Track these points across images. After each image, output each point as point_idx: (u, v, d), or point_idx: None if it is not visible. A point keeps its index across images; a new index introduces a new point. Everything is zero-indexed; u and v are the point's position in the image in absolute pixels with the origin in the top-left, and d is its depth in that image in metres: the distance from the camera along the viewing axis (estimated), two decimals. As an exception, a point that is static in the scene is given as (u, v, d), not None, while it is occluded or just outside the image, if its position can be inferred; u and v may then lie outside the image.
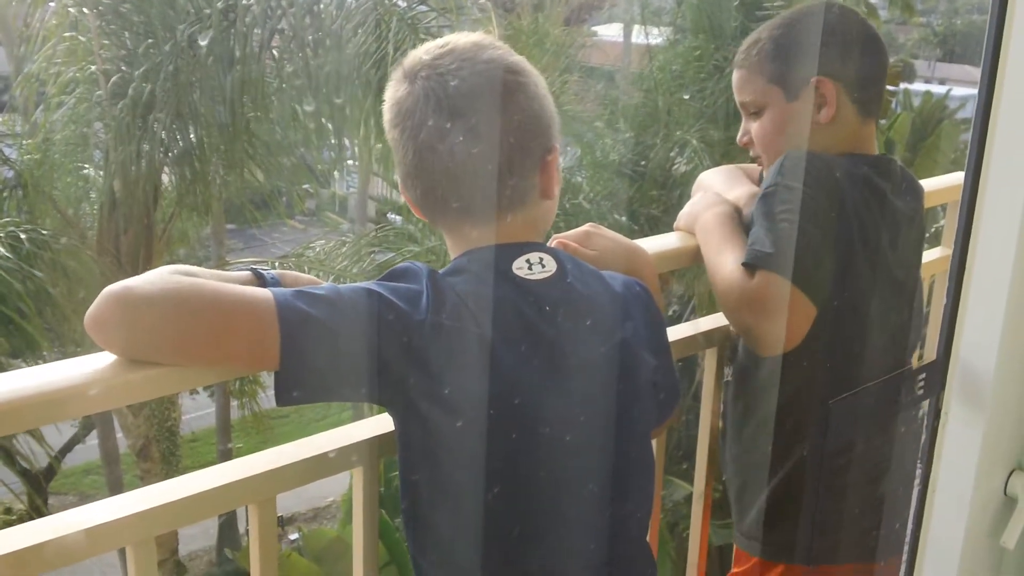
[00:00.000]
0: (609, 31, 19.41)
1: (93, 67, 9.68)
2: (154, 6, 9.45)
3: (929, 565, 1.17)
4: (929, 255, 2.37)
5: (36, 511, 11.43)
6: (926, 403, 1.76)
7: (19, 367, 8.40)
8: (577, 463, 1.37)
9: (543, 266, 1.36)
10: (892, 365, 1.89)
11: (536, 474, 1.34)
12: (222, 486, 1.34)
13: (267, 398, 10.56)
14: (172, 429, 11.22)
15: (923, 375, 1.80)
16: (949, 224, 2.77)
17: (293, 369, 1.21)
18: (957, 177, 2.60)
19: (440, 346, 1.25)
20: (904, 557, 1.20)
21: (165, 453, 10.95)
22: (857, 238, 1.76)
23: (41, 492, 12.12)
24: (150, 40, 9.42)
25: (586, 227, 1.66)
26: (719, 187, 1.99)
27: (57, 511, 1.32)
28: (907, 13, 15.51)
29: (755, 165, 2.08)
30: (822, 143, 1.82)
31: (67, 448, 13.34)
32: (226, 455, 13.06)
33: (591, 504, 1.39)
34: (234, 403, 12.49)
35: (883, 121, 10.32)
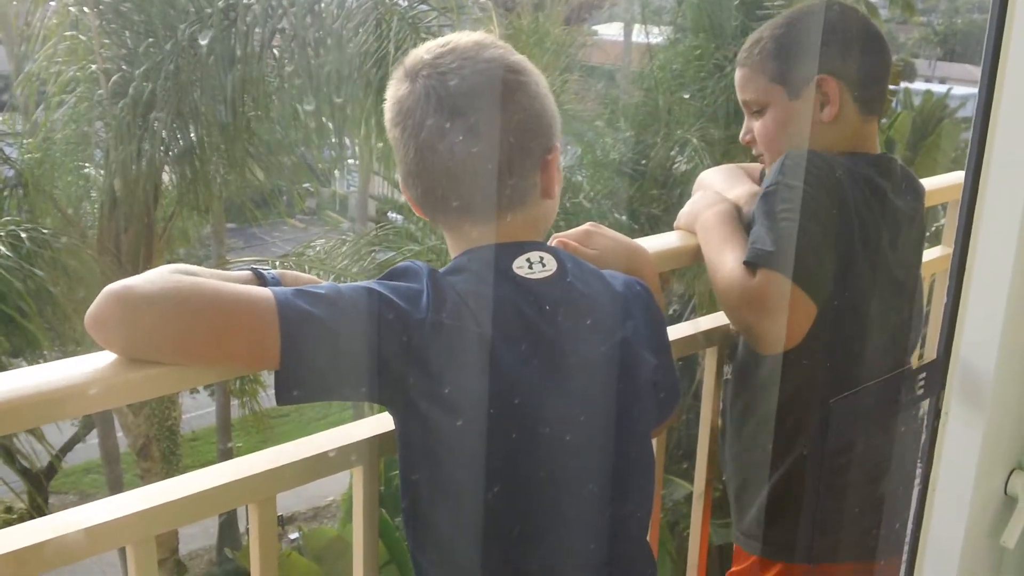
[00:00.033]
0: (609, 30, 19.42)
1: (94, 66, 9.68)
2: (155, 5, 9.45)
3: (929, 564, 1.17)
4: (929, 254, 2.37)
5: (37, 510, 11.44)
6: (926, 402, 1.76)
7: (20, 366, 8.40)
8: (577, 463, 1.37)
9: (543, 265, 1.36)
10: (892, 364, 1.89)
11: (536, 473, 1.34)
12: (222, 485, 1.34)
13: (267, 397, 10.56)
14: (172, 428, 11.22)
15: (923, 374, 1.80)
16: (949, 223, 2.77)
17: (293, 368, 1.21)
18: (957, 176, 2.60)
19: (440, 345, 1.25)
20: (904, 556, 1.21)
21: (165, 452, 10.95)
22: (858, 237, 1.76)
23: (42, 491, 12.12)
24: (151, 39, 9.42)
25: (586, 226, 1.66)
26: (719, 186, 1.99)
27: (57, 510, 1.33)
28: (907, 12, 15.50)
29: (756, 164, 2.08)
30: (824, 141, 1.82)
31: (67, 447, 13.35)
32: (226, 454, 13.07)
33: (591, 504, 1.39)
34: (234, 402, 12.50)
35: (884, 120, 10.31)
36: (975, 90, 1.03)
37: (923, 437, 1.17)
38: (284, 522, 14.17)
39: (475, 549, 1.34)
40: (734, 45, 10.17)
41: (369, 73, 9.12)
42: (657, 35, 12.44)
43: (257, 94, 9.74)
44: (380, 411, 1.40)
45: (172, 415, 11.14)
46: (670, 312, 10.29)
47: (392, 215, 14.18)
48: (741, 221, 1.84)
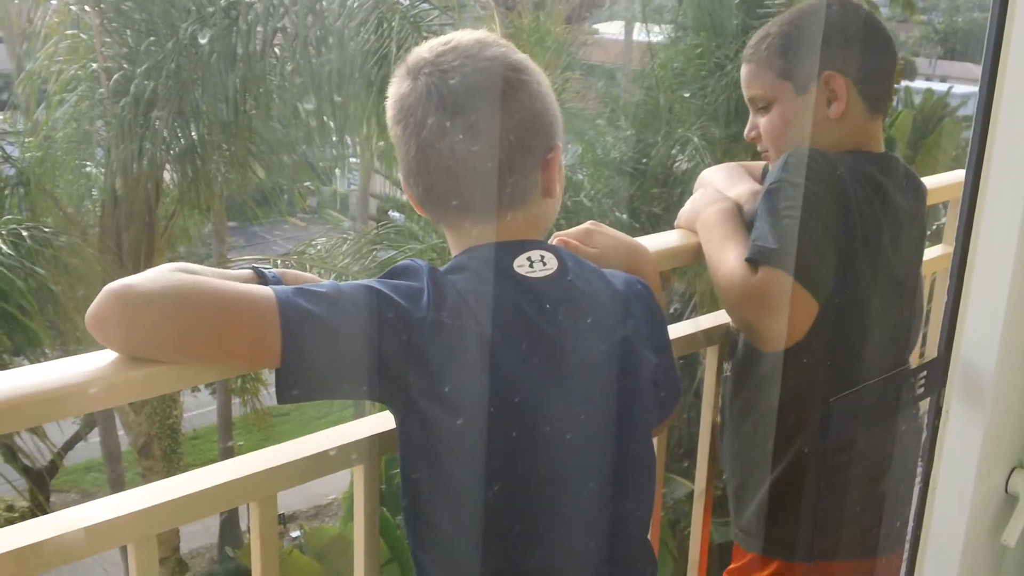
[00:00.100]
0: (610, 29, 19.42)
1: (95, 65, 9.68)
2: (156, 4, 9.45)
3: (930, 563, 1.17)
4: (930, 253, 2.37)
5: (38, 508, 11.44)
6: (927, 401, 1.76)
7: (21, 364, 8.43)
8: (577, 461, 1.37)
9: (544, 264, 1.36)
10: (892, 363, 1.89)
11: (536, 472, 1.34)
12: (223, 484, 1.34)
13: (269, 395, 10.56)
14: (174, 427, 11.21)
15: (924, 373, 1.80)
16: (950, 222, 2.77)
17: (294, 367, 1.21)
18: (958, 175, 2.59)
19: (440, 344, 1.25)
20: (905, 555, 1.20)
21: (167, 451, 10.95)
22: (859, 235, 1.76)
23: (43, 489, 12.12)
24: (152, 38, 9.42)
25: (587, 225, 1.65)
26: (720, 184, 1.99)
27: (59, 508, 1.33)
28: (908, 11, 15.51)
29: (757, 162, 2.08)
30: (830, 138, 1.82)
31: (69, 445, 13.35)
32: (227, 453, 13.07)
33: (591, 503, 1.39)
34: (236, 401, 12.50)
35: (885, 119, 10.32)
36: (976, 88, 1.03)
37: (924, 435, 1.16)
38: (285, 520, 14.17)
39: (475, 548, 1.34)
40: (735, 44, 10.19)
41: (370, 72, 9.12)
42: (658, 33, 12.45)
43: (258, 93, 9.75)
44: (381, 410, 1.40)
45: (173, 413, 11.14)
46: (671, 311, 10.29)
47: (393, 214, 14.18)
48: (742, 219, 1.84)
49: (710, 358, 2.04)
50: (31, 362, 8.44)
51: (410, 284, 1.29)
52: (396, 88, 1.39)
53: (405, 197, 1.44)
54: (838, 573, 1.93)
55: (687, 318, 2.82)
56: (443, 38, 1.39)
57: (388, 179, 14.27)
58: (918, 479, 1.16)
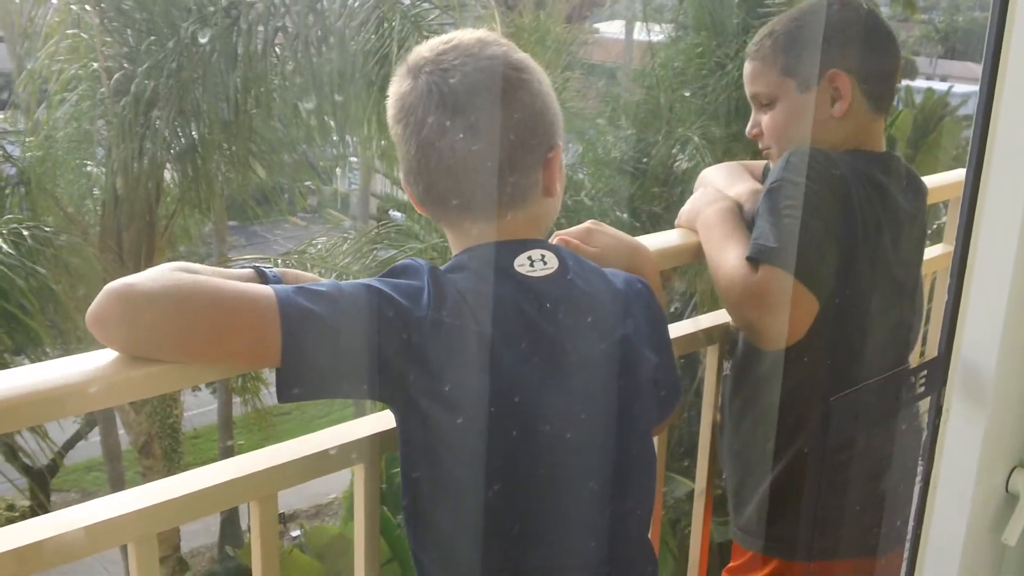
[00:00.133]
0: (611, 28, 19.42)
1: (95, 64, 9.68)
2: (157, 3, 9.45)
3: (930, 562, 1.17)
4: (930, 252, 2.37)
5: (39, 507, 11.45)
6: (927, 400, 1.76)
7: (22, 363, 8.43)
8: (577, 461, 1.37)
9: (544, 263, 1.36)
10: (892, 362, 1.89)
11: (536, 472, 1.34)
12: (223, 483, 1.34)
13: (269, 395, 10.56)
14: (174, 426, 11.21)
15: (924, 372, 1.80)
16: (950, 221, 2.77)
17: (294, 366, 1.21)
18: (959, 174, 2.59)
19: (440, 343, 1.25)
20: (905, 554, 1.20)
21: (167, 450, 10.95)
22: (860, 235, 1.76)
23: (44, 488, 12.14)
24: (152, 37, 9.42)
25: (587, 224, 1.65)
26: (721, 183, 1.99)
27: (60, 507, 1.33)
28: (909, 10, 15.52)
29: (757, 161, 2.08)
30: (833, 137, 1.82)
31: (70, 444, 13.35)
32: (228, 452, 13.08)
33: (591, 502, 1.39)
34: (236, 400, 12.49)
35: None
36: (976, 88, 1.03)
37: (924, 435, 1.17)
38: (286, 520, 14.18)
39: (475, 547, 1.34)
40: (735, 43, 10.19)
41: (371, 71, 9.12)
42: (658, 33, 12.46)
43: (259, 92, 9.74)
44: (382, 409, 1.40)
45: (174, 413, 11.14)
46: (671, 310, 10.29)
47: (394, 213, 14.19)
48: (742, 218, 1.84)
49: (710, 357, 2.04)
50: (32, 361, 8.44)
51: (410, 283, 1.29)
52: (397, 87, 1.39)
53: (406, 196, 1.44)
54: (838, 572, 1.93)
55: (687, 317, 2.82)
56: (444, 37, 1.39)
57: (389, 178, 14.27)
58: (918, 478, 1.16)
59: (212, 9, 9.34)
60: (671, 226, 1.98)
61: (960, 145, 13.32)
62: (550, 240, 1.52)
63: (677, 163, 10.36)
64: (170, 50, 9.18)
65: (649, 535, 1.55)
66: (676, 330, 1.90)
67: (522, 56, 1.39)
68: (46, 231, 9.24)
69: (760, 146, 1.93)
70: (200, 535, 14.37)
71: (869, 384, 1.70)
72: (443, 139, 1.31)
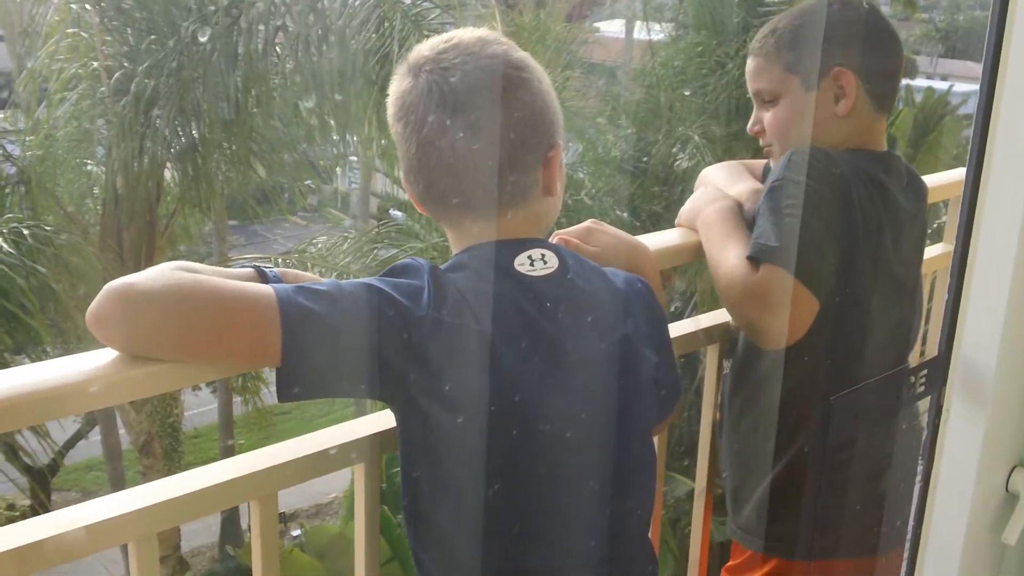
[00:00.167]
0: (611, 27, 19.40)
1: (95, 63, 9.68)
2: (157, 2, 9.46)
3: (931, 561, 1.17)
4: (931, 251, 2.37)
5: (40, 507, 11.45)
6: (927, 400, 1.76)
7: (22, 362, 8.43)
8: (577, 460, 1.37)
9: (544, 262, 1.36)
10: (893, 362, 1.89)
11: (536, 471, 1.34)
12: (224, 482, 1.34)
13: (270, 394, 10.55)
14: (174, 425, 11.21)
15: (924, 371, 1.80)
16: (951, 220, 2.77)
17: (294, 365, 1.21)
18: (959, 173, 2.59)
19: (440, 342, 1.25)
20: (906, 553, 1.20)
21: (167, 449, 10.95)
22: (861, 234, 1.76)
23: (45, 488, 12.13)
24: (153, 36, 9.42)
25: (588, 223, 1.65)
26: (721, 182, 1.99)
27: (60, 507, 1.33)
28: (909, 9, 15.52)
29: (758, 160, 2.08)
30: (836, 136, 1.82)
31: (70, 444, 13.35)
32: (228, 451, 13.08)
33: (591, 501, 1.39)
34: (236, 399, 12.50)
35: (886, 117, 10.31)
36: (976, 87, 1.03)
37: (924, 434, 1.16)
38: (286, 519, 14.18)
39: (476, 546, 1.34)
40: (736, 42, 10.19)
41: (372, 70, 9.12)
42: (659, 32, 12.46)
43: (259, 91, 9.74)
44: (382, 408, 1.40)
45: (174, 412, 11.14)
46: (671, 309, 10.29)
47: (394, 212, 14.18)
48: (743, 217, 1.84)
49: (711, 356, 2.04)
50: (32, 360, 8.45)
51: (411, 282, 1.29)
52: (397, 85, 1.39)
53: (406, 195, 1.44)
54: (838, 571, 1.93)
55: (688, 316, 2.82)
56: (444, 36, 1.39)
57: (389, 177, 14.26)
58: (919, 478, 1.16)
59: (212, 8, 9.34)
60: (671, 225, 1.98)
61: (960, 144, 13.31)
62: (550, 239, 1.52)
63: (677, 162, 10.37)
64: (170, 49, 9.17)
65: (649, 534, 1.55)
66: (676, 329, 1.90)
67: (522, 55, 1.39)
68: (46, 230, 9.24)
69: (761, 143, 1.93)
70: (200, 534, 14.37)
71: (869, 383, 1.70)
72: (443, 138, 1.31)
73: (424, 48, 1.38)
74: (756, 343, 1.78)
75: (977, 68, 1.06)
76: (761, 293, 1.66)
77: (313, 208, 19.24)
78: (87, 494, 13.93)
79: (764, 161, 2.03)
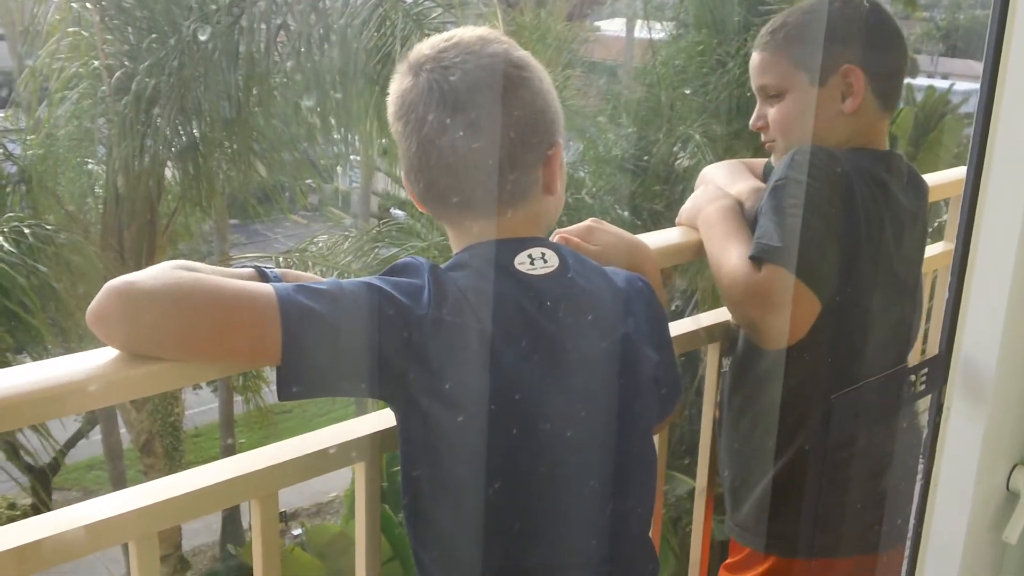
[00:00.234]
0: (612, 26, 19.39)
1: (96, 62, 9.68)
2: (158, 1, 9.45)
3: (931, 560, 1.17)
4: (931, 250, 2.37)
5: (42, 505, 11.46)
6: (927, 399, 1.76)
7: (24, 361, 8.44)
8: (578, 459, 1.37)
9: (545, 261, 1.36)
10: (893, 361, 1.89)
11: (536, 470, 1.34)
12: (224, 481, 1.34)
13: (270, 393, 10.56)
14: (175, 424, 11.22)
15: (925, 370, 1.80)
16: (951, 219, 2.77)
17: (295, 364, 1.21)
18: (959, 172, 2.59)
19: (440, 341, 1.25)
20: (906, 552, 1.20)
21: (168, 448, 10.96)
22: (863, 233, 1.76)
23: (46, 487, 12.14)
24: (153, 35, 9.42)
25: (588, 222, 1.65)
26: (722, 181, 1.99)
27: (61, 506, 1.33)
28: (910, 8, 15.50)
29: (758, 159, 2.08)
30: (840, 133, 1.82)
31: (71, 443, 13.36)
32: (229, 450, 13.08)
33: (592, 500, 1.39)
34: (237, 398, 12.50)
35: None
36: (977, 86, 1.03)
37: (925, 433, 1.16)
38: (287, 518, 14.19)
39: (476, 545, 1.34)
40: (736, 40, 10.19)
41: (373, 69, 9.12)
42: (659, 31, 12.45)
43: (260, 90, 9.75)
44: (382, 407, 1.40)
45: (175, 411, 11.15)
46: (672, 308, 10.30)
47: (395, 211, 14.18)
48: (743, 216, 1.83)
49: (711, 355, 2.04)
50: (34, 359, 8.45)
51: (411, 281, 1.29)
52: (397, 84, 1.38)
53: (407, 194, 1.44)
54: (839, 570, 1.93)
55: (689, 315, 2.82)
56: (445, 35, 1.39)
57: (390, 176, 14.27)
58: (919, 476, 1.16)
59: (214, 7, 9.34)
60: (672, 224, 1.98)
61: (961, 143, 13.31)
62: (551, 238, 1.52)
63: (678, 161, 10.37)
64: (171, 48, 9.17)
65: (650, 533, 1.55)
66: (677, 328, 1.90)
67: (523, 54, 1.39)
68: (47, 229, 9.25)
69: (763, 138, 1.92)
70: (201, 533, 14.38)
71: (870, 382, 1.70)
72: (443, 137, 1.31)
73: (425, 47, 1.38)
74: (757, 343, 1.78)
75: (978, 67, 1.06)
76: (763, 293, 1.65)
77: (314, 207, 19.22)
78: (88, 493, 13.94)
79: (765, 160, 2.03)
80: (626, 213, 10.66)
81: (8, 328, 8.77)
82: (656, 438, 1.59)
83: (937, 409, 1.12)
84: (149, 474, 10.57)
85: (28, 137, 10.52)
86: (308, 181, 15.31)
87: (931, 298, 2.55)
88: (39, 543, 1.17)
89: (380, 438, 1.47)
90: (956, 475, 1.12)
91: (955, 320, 1.09)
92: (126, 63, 9.59)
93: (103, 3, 9.66)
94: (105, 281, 1.16)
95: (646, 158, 10.83)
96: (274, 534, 1.41)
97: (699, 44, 10.82)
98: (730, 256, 1.73)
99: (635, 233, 1.73)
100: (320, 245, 10.83)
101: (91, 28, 9.76)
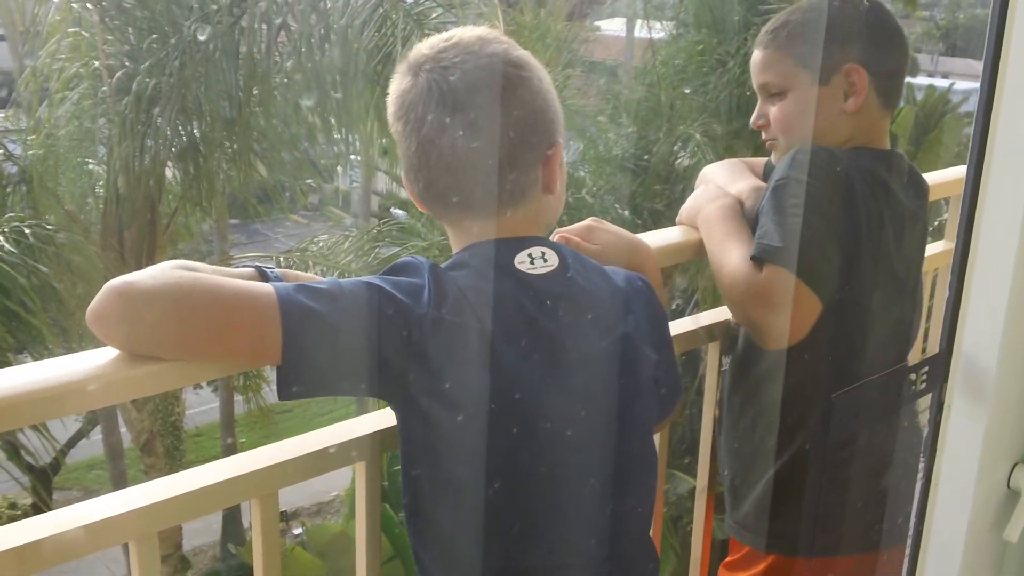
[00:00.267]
0: (612, 26, 19.38)
1: (97, 63, 9.67)
2: (158, 1, 9.45)
3: (932, 559, 1.17)
4: (932, 249, 2.37)
5: (43, 505, 11.46)
6: (929, 397, 1.76)
7: (24, 361, 8.44)
8: (578, 458, 1.37)
9: (545, 260, 1.36)
10: (893, 360, 1.89)
11: (537, 469, 1.34)
12: (225, 481, 1.34)
13: (271, 392, 10.56)
14: (176, 424, 11.22)
15: (926, 369, 1.80)
16: (952, 218, 2.77)
17: (295, 363, 1.21)
18: (960, 171, 2.59)
19: (440, 340, 1.25)
20: (907, 551, 1.20)
21: (169, 448, 10.96)
22: (864, 233, 1.76)
23: (46, 486, 12.15)
24: (154, 35, 9.42)
25: (588, 221, 1.65)
26: (722, 180, 1.99)
27: (62, 506, 1.32)
28: (910, 7, 15.50)
29: (758, 158, 2.08)
30: (841, 132, 1.82)
31: (72, 443, 13.36)
32: (229, 450, 13.08)
33: (592, 500, 1.39)
34: (238, 398, 12.50)
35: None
36: (977, 85, 1.03)
37: (926, 432, 1.16)
38: (287, 518, 14.19)
39: (476, 545, 1.34)
40: (736, 40, 10.19)
41: (373, 69, 9.12)
42: (659, 30, 12.45)
43: (261, 90, 9.74)
44: (383, 406, 1.40)
45: (175, 411, 11.15)
46: (672, 307, 10.30)
47: (395, 211, 14.19)
48: (744, 215, 1.83)
49: (711, 354, 2.04)
50: (34, 359, 8.45)
51: (411, 281, 1.29)
52: (397, 84, 1.38)
53: (407, 194, 1.44)
54: (839, 568, 1.93)
55: (689, 314, 2.82)
56: (444, 34, 1.39)
57: (390, 176, 14.27)
58: (920, 475, 1.16)
59: (214, 7, 9.33)
60: (672, 223, 1.98)
61: (961, 142, 13.33)
62: (551, 237, 1.52)
63: (678, 160, 10.38)
64: (172, 48, 9.17)
65: (650, 533, 1.55)
66: (677, 327, 1.90)
67: (522, 53, 1.39)
68: (48, 229, 9.24)
69: (764, 137, 1.92)
70: (202, 533, 14.38)
71: (871, 381, 1.70)
72: (443, 136, 1.31)
73: (424, 47, 1.38)
74: (758, 343, 1.77)
75: (978, 66, 1.06)
76: (764, 293, 1.65)
77: (314, 207, 19.22)
78: (89, 493, 13.95)
79: (765, 159, 2.03)
80: (626, 212, 10.66)
81: (9, 328, 8.77)
82: (656, 437, 1.59)
83: (938, 408, 1.12)
84: (150, 474, 10.57)
85: (29, 137, 10.51)
86: (308, 181, 15.31)
87: (931, 297, 2.55)
88: (39, 543, 1.17)
89: (380, 437, 1.47)
90: (957, 473, 1.12)
91: (955, 319, 1.09)
92: (126, 63, 9.58)
93: (103, 3, 9.65)
94: (105, 281, 1.16)
95: (646, 157, 10.83)
96: (275, 533, 1.41)
97: (699, 43, 10.83)
98: (731, 256, 1.73)
99: (635, 232, 1.73)
100: (320, 245, 10.83)
101: (91, 28, 9.75)
